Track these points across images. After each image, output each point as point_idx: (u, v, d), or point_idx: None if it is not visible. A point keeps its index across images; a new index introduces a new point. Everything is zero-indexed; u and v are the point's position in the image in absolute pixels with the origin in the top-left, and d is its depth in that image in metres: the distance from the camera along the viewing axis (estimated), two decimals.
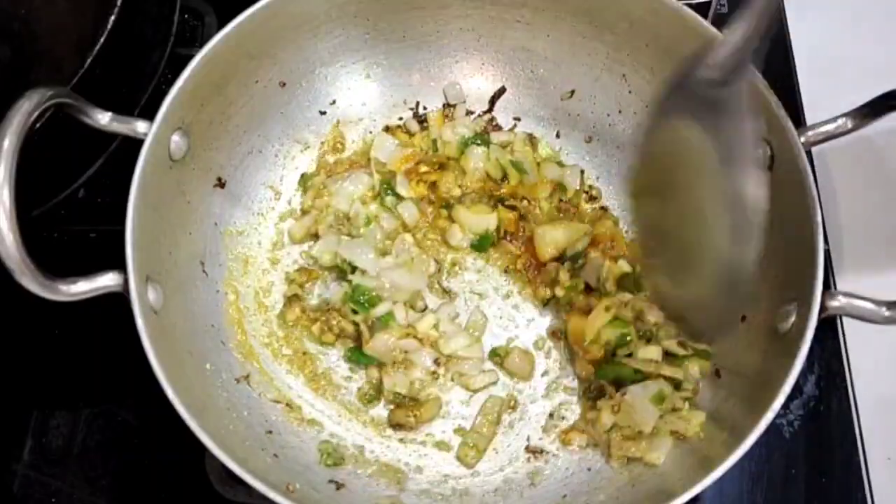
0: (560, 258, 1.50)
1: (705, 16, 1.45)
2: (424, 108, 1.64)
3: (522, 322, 1.51)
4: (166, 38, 1.54)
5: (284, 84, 1.52)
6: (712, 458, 1.17)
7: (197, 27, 1.73)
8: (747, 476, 1.45)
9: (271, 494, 1.11)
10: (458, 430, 1.42)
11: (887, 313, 1.15)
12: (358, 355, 1.44)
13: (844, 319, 1.53)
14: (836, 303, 1.17)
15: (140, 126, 1.25)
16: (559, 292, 1.46)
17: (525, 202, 1.55)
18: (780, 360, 1.18)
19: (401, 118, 1.64)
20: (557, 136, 1.62)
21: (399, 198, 1.53)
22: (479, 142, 1.56)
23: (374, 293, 1.44)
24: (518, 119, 1.64)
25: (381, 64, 1.60)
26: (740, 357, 1.34)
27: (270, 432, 1.36)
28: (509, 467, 1.40)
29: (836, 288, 1.56)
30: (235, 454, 1.15)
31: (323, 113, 1.60)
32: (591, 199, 1.58)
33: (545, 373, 1.47)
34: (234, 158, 1.50)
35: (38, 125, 1.09)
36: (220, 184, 1.48)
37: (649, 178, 1.29)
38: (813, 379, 1.51)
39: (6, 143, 1.05)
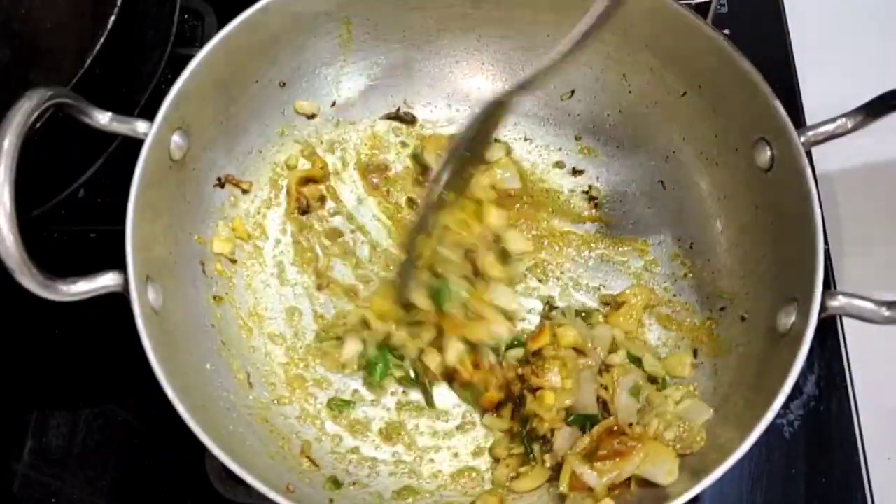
0: None
1: (705, 16, 1.46)
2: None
3: None
4: (166, 38, 1.54)
5: (284, 84, 1.52)
6: (712, 458, 1.17)
7: (197, 27, 1.74)
8: (747, 476, 1.45)
9: (271, 494, 1.11)
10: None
11: (887, 313, 1.15)
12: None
13: (844, 319, 1.53)
14: (837, 303, 1.17)
15: (140, 126, 1.25)
16: None
17: None
18: (781, 360, 1.18)
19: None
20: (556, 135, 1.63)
21: None
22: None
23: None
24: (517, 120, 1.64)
25: (380, 64, 1.60)
26: (740, 357, 1.34)
27: (271, 432, 1.36)
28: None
29: (836, 288, 1.56)
30: (235, 454, 1.15)
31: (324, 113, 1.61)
32: (591, 199, 1.59)
33: None
34: (234, 158, 1.50)
35: (38, 125, 1.09)
36: (220, 184, 1.48)
37: None
38: (813, 379, 1.52)
39: (6, 142, 1.05)
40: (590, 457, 1.29)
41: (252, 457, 1.27)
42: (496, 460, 1.39)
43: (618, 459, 1.26)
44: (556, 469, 1.32)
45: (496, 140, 1.60)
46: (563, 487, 1.29)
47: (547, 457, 1.34)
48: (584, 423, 1.35)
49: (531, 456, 1.36)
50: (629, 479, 1.26)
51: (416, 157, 1.61)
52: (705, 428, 1.29)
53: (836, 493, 1.45)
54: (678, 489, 1.15)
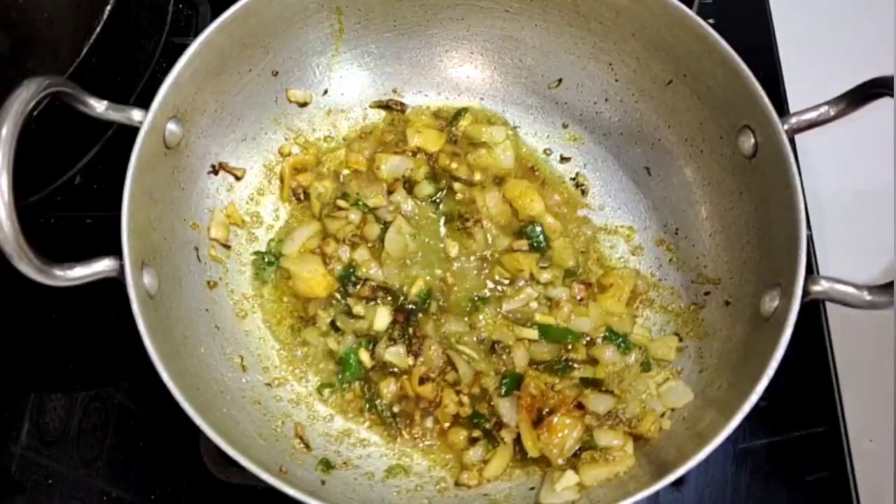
0: None
1: (690, 5, 1.47)
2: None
3: None
4: (161, 27, 1.56)
5: (277, 73, 1.54)
6: (696, 439, 1.19)
7: (191, 17, 1.75)
8: (731, 457, 1.47)
9: (264, 476, 1.13)
10: None
11: (869, 297, 1.17)
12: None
13: (827, 303, 1.54)
14: (819, 287, 1.19)
15: (135, 114, 1.26)
16: None
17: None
18: (764, 343, 1.20)
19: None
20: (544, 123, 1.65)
21: None
22: None
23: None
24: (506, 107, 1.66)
25: (371, 53, 1.61)
26: (724, 341, 1.37)
27: (264, 415, 1.37)
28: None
29: (818, 272, 1.58)
30: (229, 436, 1.16)
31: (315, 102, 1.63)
32: (578, 185, 1.60)
33: None
34: (227, 146, 1.51)
35: (35, 113, 1.11)
36: (214, 171, 1.49)
37: None
38: (796, 362, 1.53)
39: (4, 130, 1.06)
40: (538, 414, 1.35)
41: (246, 439, 1.29)
42: (460, 450, 1.39)
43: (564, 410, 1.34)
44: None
45: (502, 122, 1.64)
46: (532, 452, 1.33)
47: (504, 433, 1.37)
48: (516, 384, 1.39)
49: (491, 438, 1.38)
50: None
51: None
52: (686, 411, 1.32)
53: (820, 475, 1.47)
54: (664, 469, 1.17)
